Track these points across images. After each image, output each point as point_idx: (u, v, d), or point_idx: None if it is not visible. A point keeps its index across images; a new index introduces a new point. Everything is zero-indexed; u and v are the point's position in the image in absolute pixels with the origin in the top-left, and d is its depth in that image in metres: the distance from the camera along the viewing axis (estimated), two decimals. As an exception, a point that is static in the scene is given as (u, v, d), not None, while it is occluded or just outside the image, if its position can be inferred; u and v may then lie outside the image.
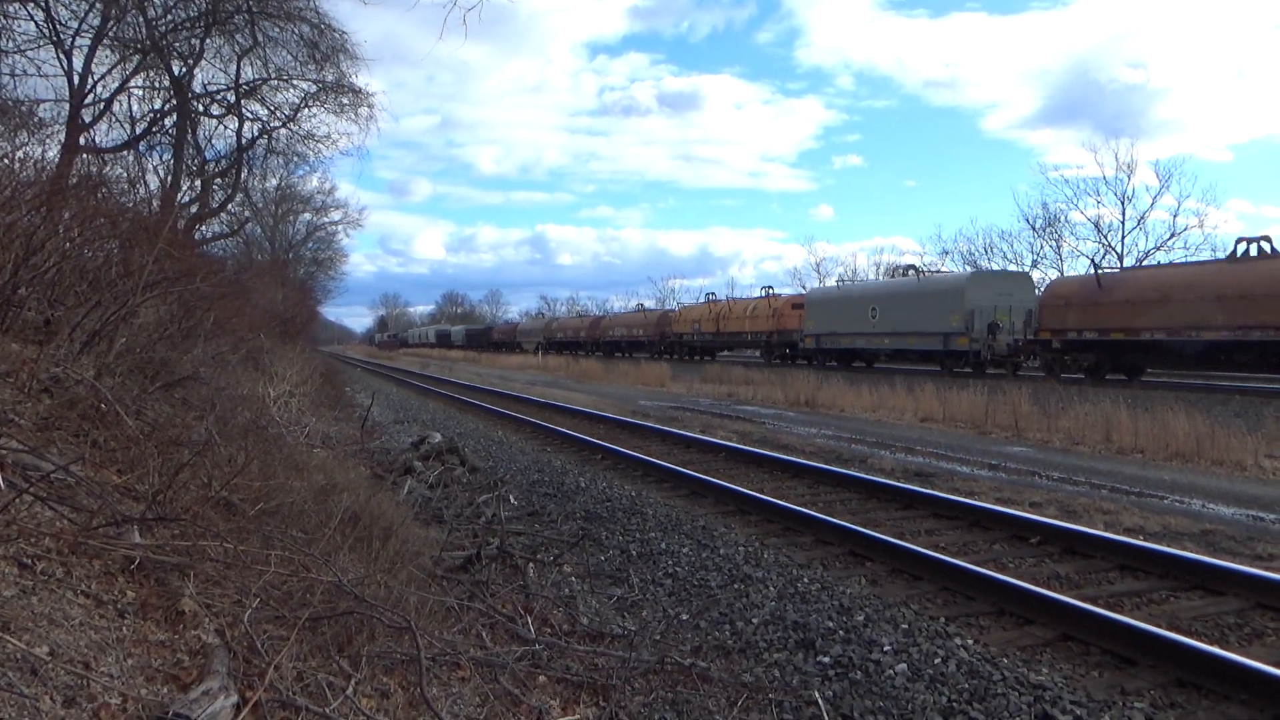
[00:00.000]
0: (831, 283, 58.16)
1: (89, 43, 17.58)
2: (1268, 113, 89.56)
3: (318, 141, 22.57)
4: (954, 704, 3.80)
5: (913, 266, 35.43)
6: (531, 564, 5.81)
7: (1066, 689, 3.92)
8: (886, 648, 4.42)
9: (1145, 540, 6.64)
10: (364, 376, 36.49)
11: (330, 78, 21.02)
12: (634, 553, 6.44)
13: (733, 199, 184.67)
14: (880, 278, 37.86)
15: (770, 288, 40.46)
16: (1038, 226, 49.87)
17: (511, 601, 4.94)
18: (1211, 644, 4.43)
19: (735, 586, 5.54)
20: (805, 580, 5.58)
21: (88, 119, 18.36)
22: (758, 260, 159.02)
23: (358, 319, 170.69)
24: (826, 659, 4.33)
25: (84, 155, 14.69)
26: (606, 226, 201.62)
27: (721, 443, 12.42)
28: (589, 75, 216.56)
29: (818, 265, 68.07)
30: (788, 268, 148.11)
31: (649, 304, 59.84)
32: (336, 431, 11.70)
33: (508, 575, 5.51)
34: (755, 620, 4.92)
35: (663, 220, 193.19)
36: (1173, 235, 45.46)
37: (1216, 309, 18.93)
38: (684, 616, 5.06)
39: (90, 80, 18.11)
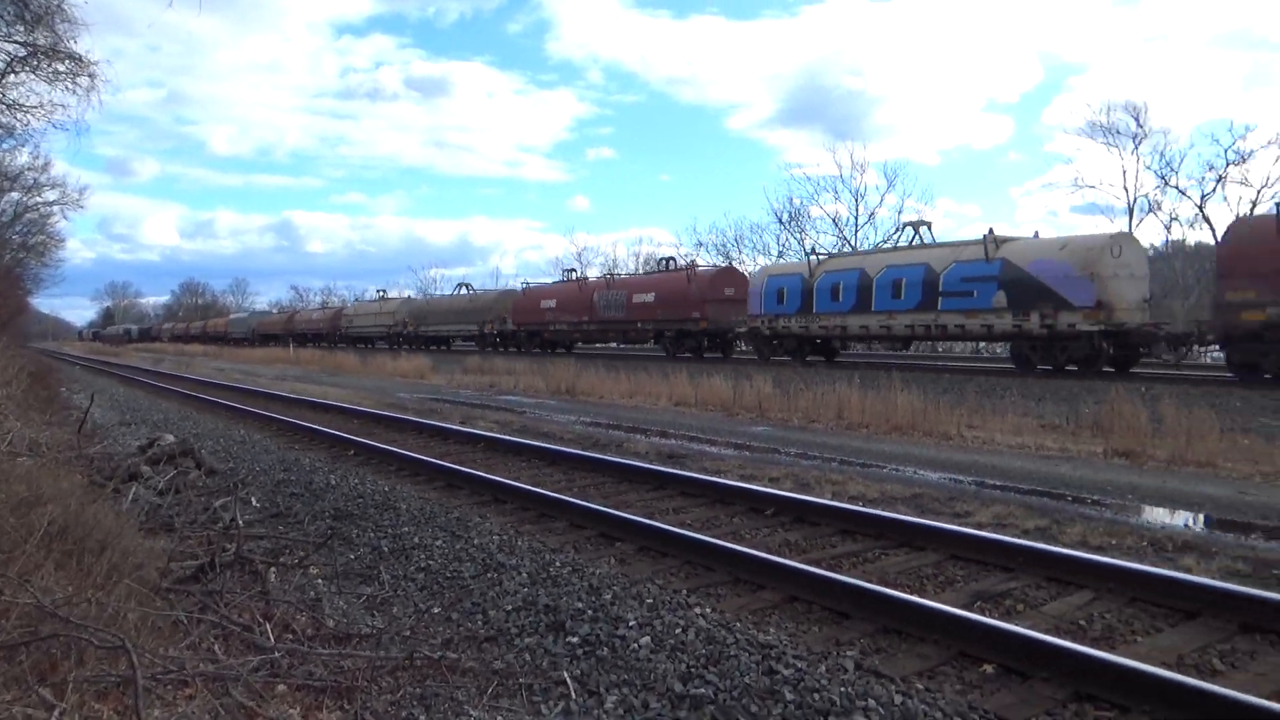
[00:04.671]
0: (595, 272, 62.57)
1: None
2: (965, 122, 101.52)
3: (27, 112, 19.90)
4: (692, 669, 4.04)
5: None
6: (273, 568, 5.52)
7: (790, 645, 4.28)
8: (632, 623, 4.61)
9: (865, 506, 7.36)
10: (85, 375, 32.86)
11: (43, 41, 18.57)
12: (385, 549, 6.29)
13: (491, 188, 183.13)
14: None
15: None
16: (784, 220, 53.77)
17: (249, 609, 4.67)
18: (911, 594, 5.00)
19: (488, 575, 5.56)
20: (557, 564, 5.70)
21: None
22: (519, 250, 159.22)
23: (78, 311, 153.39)
24: (575, 639, 4.45)
25: None
26: (360, 214, 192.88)
27: (481, 433, 12.36)
28: (330, 55, 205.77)
29: (579, 255, 69.37)
30: (550, 257, 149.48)
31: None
32: (47, 437, 10.45)
33: (246, 582, 5.20)
34: (508, 607, 4.96)
35: (420, 208, 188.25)
36: (898, 230, 50.30)
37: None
38: (435, 609, 5.01)
39: None
